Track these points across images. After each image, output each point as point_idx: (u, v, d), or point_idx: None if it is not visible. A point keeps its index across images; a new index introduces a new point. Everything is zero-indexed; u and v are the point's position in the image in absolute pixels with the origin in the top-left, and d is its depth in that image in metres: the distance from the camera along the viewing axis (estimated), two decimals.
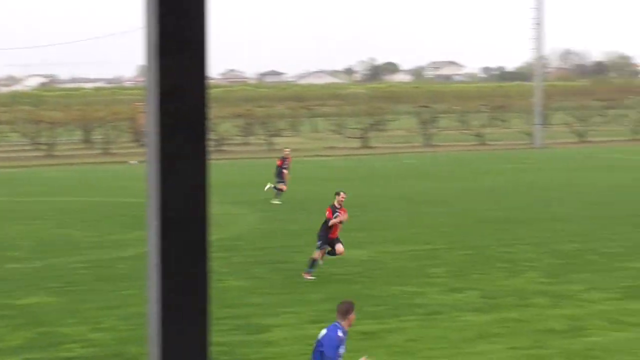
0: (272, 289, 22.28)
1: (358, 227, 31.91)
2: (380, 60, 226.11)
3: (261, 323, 18.91)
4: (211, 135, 70.30)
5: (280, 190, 39.52)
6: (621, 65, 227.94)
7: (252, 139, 78.97)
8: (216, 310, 17.68)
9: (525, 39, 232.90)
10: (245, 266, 25.14)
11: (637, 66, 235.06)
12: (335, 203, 23.85)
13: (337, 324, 12.33)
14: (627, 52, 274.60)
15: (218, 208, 36.38)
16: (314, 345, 12.41)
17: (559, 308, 19.90)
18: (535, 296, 21.04)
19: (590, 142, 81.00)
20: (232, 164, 60.42)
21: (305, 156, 66.60)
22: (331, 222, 23.45)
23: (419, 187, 45.25)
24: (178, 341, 2.80)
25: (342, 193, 24.11)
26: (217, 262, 24.06)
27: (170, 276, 2.78)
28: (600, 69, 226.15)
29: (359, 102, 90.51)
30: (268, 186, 39.84)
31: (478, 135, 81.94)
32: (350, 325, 12.51)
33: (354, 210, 36.19)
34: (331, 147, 75.78)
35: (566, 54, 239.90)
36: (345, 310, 12.38)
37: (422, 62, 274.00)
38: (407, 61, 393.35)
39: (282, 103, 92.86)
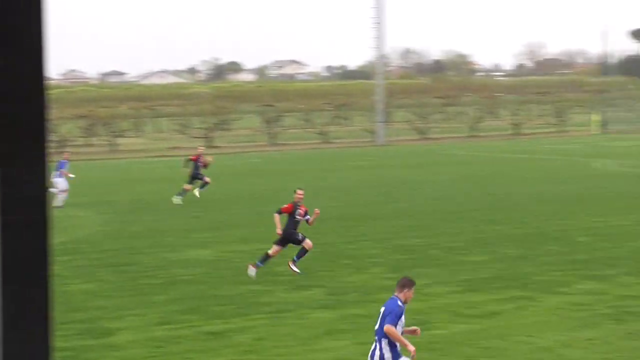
0: (116, 291, 21.97)
1: (203, 227, 31.83)
2: (224, 59, 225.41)
3: (106, 326, 18.63)
4: (53, 137, 68.61)
5: (187, 188, 39.29)
6: (459, 63, 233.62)
7: (94, 140, 77.66)
8: (60, 314, 17.38)
9: (366, 38, 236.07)
10: (89, 269, 24.71)
11: (475, 64, 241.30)
12: (295, 200, 23.78)
13: (394, 297, 13.15)
14: (465, 50, 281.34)
15: (60, 211, 35.64)
16: (378, 320, 13.10)
17: None
18: (380, 291, 21.34)
19: (430, 138, 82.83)
20: (74, 165, 59.21)
21: (149, 157, 65.89)
22: (311, 220, 23.64)
23: (264, 185, 45.37)
24: (20, 348, 2.74)
25: (299, 190, 24.03)
26: (61, 266, 23.60)
27: (11, 281, 2.71)
28: (439, 67, 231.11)
29: (203, 101, 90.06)
30: (196, 191, 39.39)
31: (322, 133, 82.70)
32: (406, 301, 13.20)
33: (200, 210, 36.10)
34: (175, 147, 75.15)
35: (406, 53, 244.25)
36: (403, 284, 13.24)
37: (266, 61, 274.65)
38: (251, 60, 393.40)
39: (125, 103, 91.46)
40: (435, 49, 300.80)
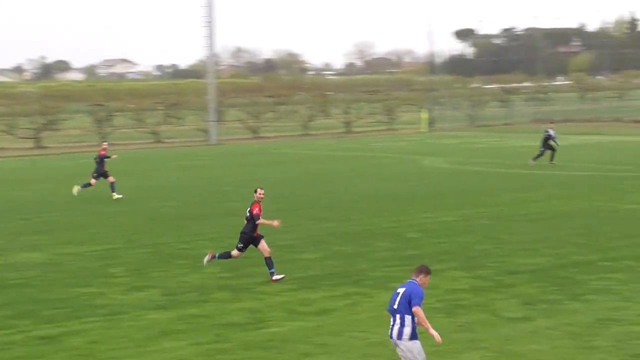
0: None
1: (34, 230, 31.11)
2: (51, 58, 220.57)
3: None
4: None
5: (90, 184, 39.32)
6: (290, 62, 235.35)
7: None
8: None
9: (197, 36, 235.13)
10: None
11: (305, 63, 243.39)
12: (256, 199, 23.03)
13: (413, 281, 13.78)
14: (295, 50, 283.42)
15: None
16: (393, 301, 13.60)
17: (239, 302, 20.32)
18: (216, 291, 21.38)
19: (263, 137, 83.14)
20: None
21: None
22: (260, 222, 22.61)
23: (96, 186, 44.62)
24: None
25: (259, 189, 23.33)
26: None
27: None
28: (270, 66, 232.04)
29: (30, 101, 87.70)
30: (115, 196, 38.80)
31: (154, 133, 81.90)
32: (423, 285, 13.83)
33: (30, 213, 35.23)
34: (2, 149, 73.11)
35: (237, 52, 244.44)
36: (420, 270, 13.91)
37: (95, 60, 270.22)
38: (79, 59, 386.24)
39: None
40: (266, 48, 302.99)
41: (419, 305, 13.49)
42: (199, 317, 18.94)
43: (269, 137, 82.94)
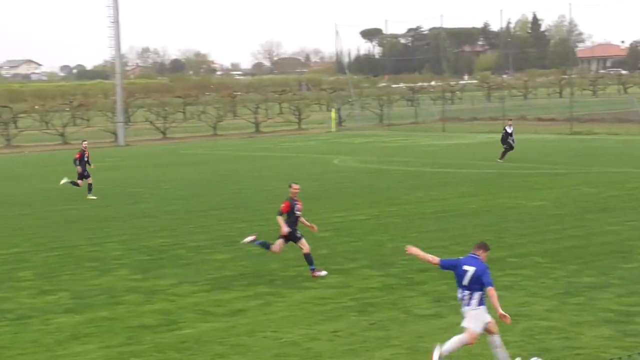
0: None
1: None
2: None
3: None
4: None
5: (76, 183, 39.62)
6: (198, 62, 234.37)
7: None
8: None
9: (103, 37, 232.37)
10: None
11: (213, 63, 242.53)
12: (291, 195, 22.55)
13: (475, 256, 14.56)
14: (203, 50, 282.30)
15: None
16: (467, 277, 14.25)
17: (151, 303, 20.15)
18: (127, 293, 21.18)
19: (172, 138, 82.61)
20: None
21: None
22: (278, 219, 22.27)
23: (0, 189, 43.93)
24: None
25: (294, 184, 22.86)
26: None
27: None
28: (178, 66, 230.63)
29: None
30: (64, 180, 39.22)
31: (61, 134, 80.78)
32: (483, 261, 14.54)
33: None
34: None
35: (145, 52, 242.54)
36: (479, 246, 14.72)
37: None
38: None
39: None
40: (173, 48, 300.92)
41: (492, 285, 14.19)
42: (110, 320, 18.74)
43: (178, 138, 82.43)
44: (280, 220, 22.39)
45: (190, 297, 20.68)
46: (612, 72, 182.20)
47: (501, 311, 13.96)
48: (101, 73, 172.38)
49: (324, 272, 22.40)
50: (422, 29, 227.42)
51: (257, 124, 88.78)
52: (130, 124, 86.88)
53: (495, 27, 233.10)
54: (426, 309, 18.91)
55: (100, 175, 49.83)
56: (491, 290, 14.11)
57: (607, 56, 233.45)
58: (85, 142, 41.96)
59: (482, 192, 37.11)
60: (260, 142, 74.59)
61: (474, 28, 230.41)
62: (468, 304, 14.32)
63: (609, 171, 43.29)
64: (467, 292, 14.31)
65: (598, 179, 40.35)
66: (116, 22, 79.99)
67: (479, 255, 14.54)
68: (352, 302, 19.56)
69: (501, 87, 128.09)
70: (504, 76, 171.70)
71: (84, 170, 39.54)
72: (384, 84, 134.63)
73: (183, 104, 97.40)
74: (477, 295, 14.23)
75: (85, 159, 39.73)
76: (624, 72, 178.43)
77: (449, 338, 14.72)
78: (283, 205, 22.53)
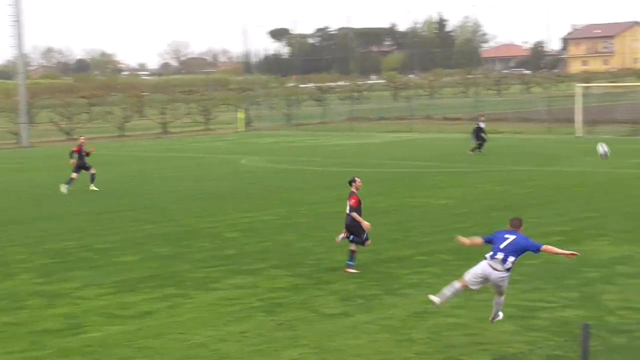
0: None
1: None
2: None
3: None
4: None
5: (72, 179, 40.07)
6: (103, 62, 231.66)
7: None
8: None
9: (4, 36, 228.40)
10: None
11: (119, 63, 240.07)
12: (354, 189, 22.26)
13: (513, 231, 15.96)
14: (109, 50, 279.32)
15: None
16: (500, 241, 15.75)
17: (55, 307, 19.80)
18: (30, 297, 20.78)
19: (77, 139, 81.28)
20: None
21: None
22: (354, 215, 22.06)
23: None
24: None
25: (357, 179, 22.56)
26: None
27: None
28: (83, 66, 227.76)
29: None
30: (64, 188, 39.53)
31: None
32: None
33: None
34: None
35: (48, 52, 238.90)
36: (514, 224, 16.05)
37: None
38: None
39: None
40: (78, 47, 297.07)
41: (541, 245, 15.76)
42: (12, 325, 18.37)
43: None
44: (357, 216, 22.19)
45: (96, 300, 20.39)
46: (515, 72, 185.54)
47: (567, 252, 16.01)
48: (3, 73, 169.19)
49: (356, 271, 22.28)
50: (330, 29, 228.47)
51: (164, 125, 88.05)
52: (34, 124, 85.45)
53: (402, 27, 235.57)
54: (334, 307, 18.95)
55: (2, 177, 48.94)
56: (545, 247, 15.72)
57: (511, 56, 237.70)
58: (83, 138, 43.07)
59: (389, 191, 37.37)
60: (168, 142, 74.03)
61: (381, 28, 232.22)
62: (504, 262, 15.60)
63: (513, 169, 44.00)
64: (502, 254, 15.60)
65: (503, 177, 40.98)
66: (18, 21, 78.58)
67: (516, 229, 15.94)
68: (260, 303, 19.51)
69: (408, 87, 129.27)
70: (411, 76, 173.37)
71: (84, 163, 40.59)
72: (292, 84, 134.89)
73: (88, 104, 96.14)
74: (511, 258, 15.58)
75: (83, 153, 40.67)
76: (526, 72, 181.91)
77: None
78: (353, 200, 22.40)
